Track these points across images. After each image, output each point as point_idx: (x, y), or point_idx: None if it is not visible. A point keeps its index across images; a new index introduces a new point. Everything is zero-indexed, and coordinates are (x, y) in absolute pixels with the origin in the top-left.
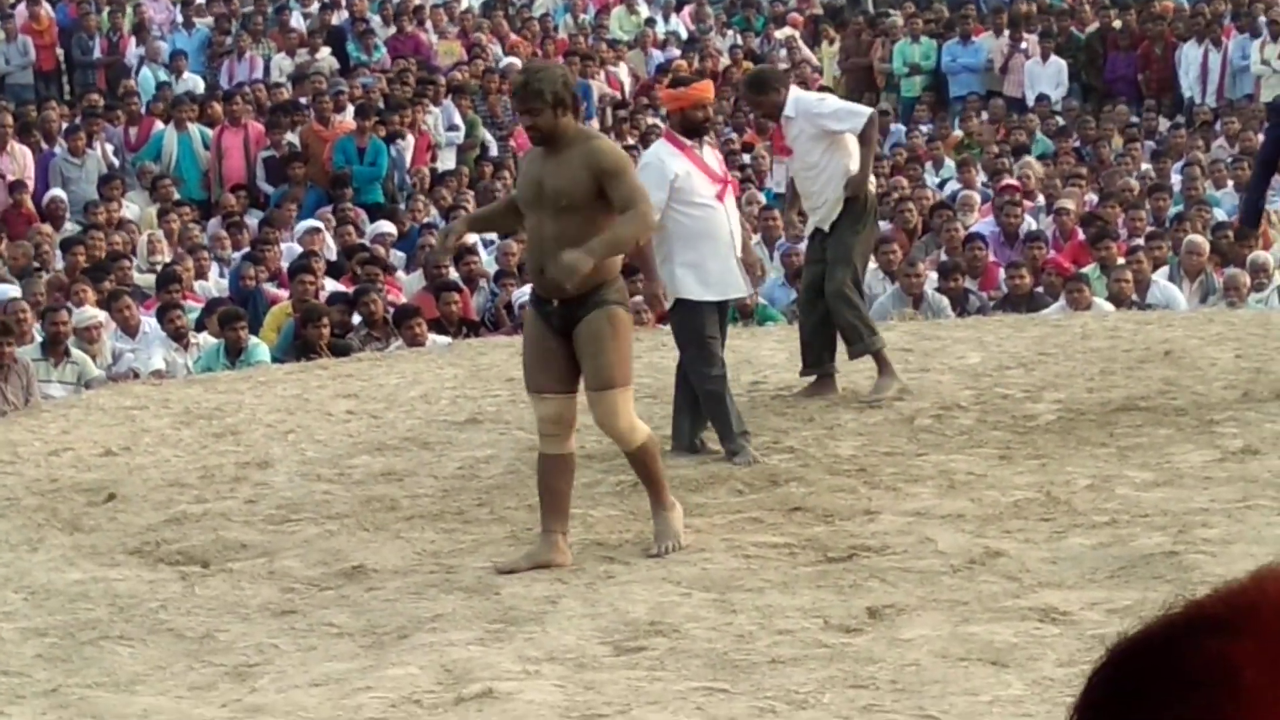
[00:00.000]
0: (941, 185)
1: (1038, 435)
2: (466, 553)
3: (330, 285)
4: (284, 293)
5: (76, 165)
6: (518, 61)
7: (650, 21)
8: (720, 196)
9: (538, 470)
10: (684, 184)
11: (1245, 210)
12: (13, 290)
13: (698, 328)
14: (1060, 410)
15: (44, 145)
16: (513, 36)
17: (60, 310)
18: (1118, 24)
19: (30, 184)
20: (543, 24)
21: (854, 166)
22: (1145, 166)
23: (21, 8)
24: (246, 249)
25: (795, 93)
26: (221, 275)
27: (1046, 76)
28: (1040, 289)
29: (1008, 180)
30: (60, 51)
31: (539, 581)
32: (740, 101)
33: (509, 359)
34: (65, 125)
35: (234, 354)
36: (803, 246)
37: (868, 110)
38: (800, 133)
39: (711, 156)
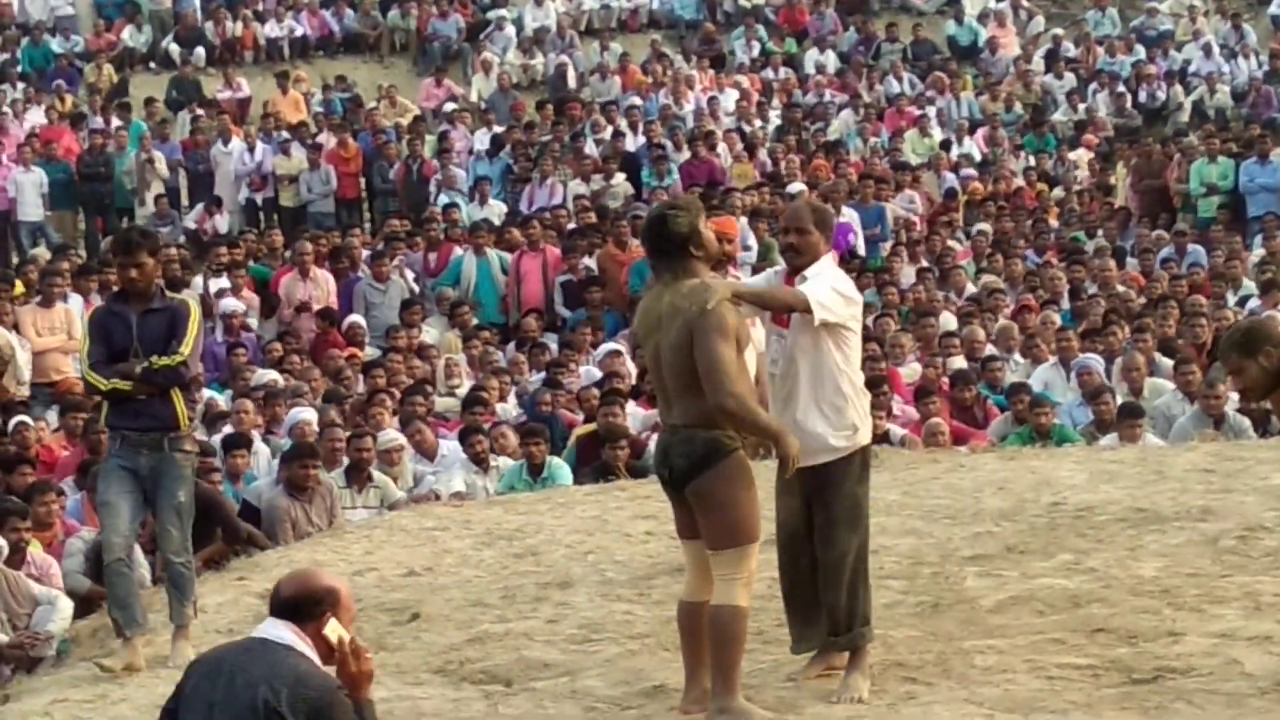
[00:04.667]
0: (1242, 303)
1: None
2: (767, 672)
3: (630, 408)
4: (581, 417)
5: (380, 291)
6: (800, 186)
7: (944, 144)
8: None
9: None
10: None
11: None
12: (307, 413)
13: None
14: None
15: (350, 272)
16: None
17: (365, 437)
18: None
19: (334, 309)
20: (836, 148)
21: None
22: None
23: (325, 136)
24: (543, 373)
25: None
26: (520, 400)
27: None
28: None
29: None
30: (361, 180)
31: (839, 705)
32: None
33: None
34: (368, 252)
35: (535, 472)
36: (1097, 364)
37: None
38: None
39: None
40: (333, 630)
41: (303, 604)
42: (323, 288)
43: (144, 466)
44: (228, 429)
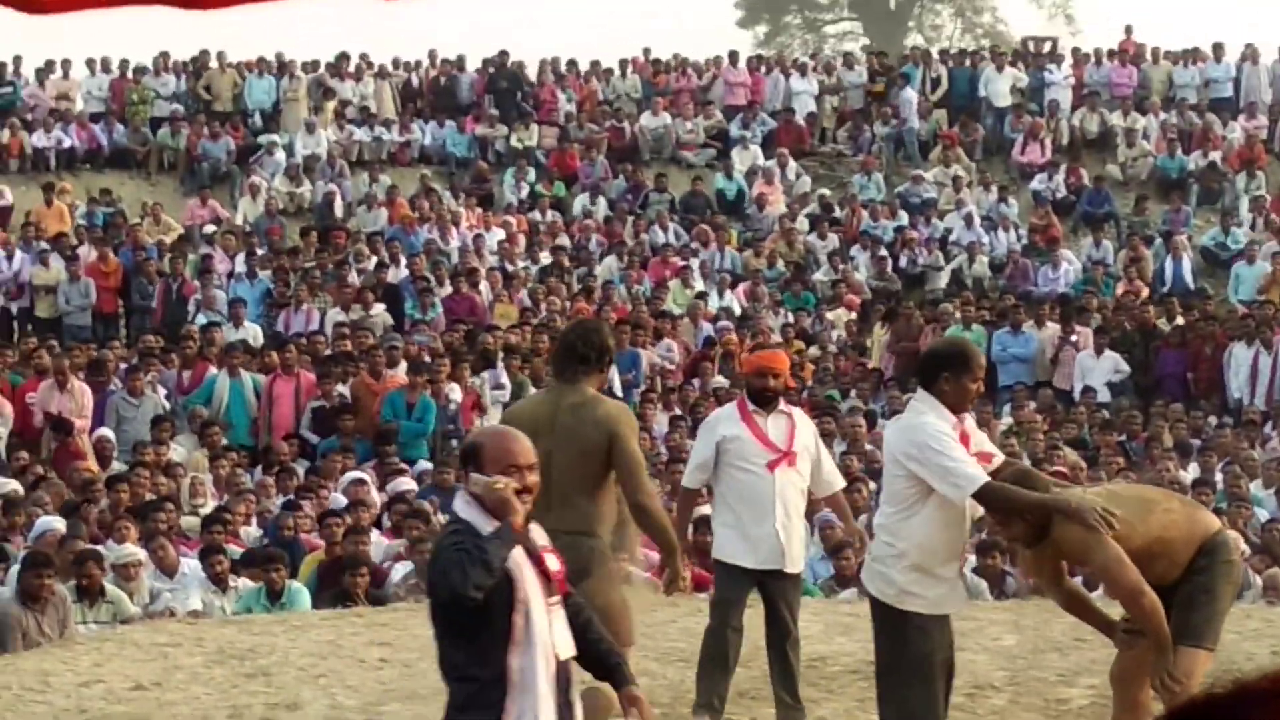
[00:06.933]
0: None
1: (1070, 719)
2: None
3: (374, 537)
4: (323, 543)
5: (134, 405)
6: None
7: (703, 296)
8: (772, 466)
9: None
10: (732, 447)
11: None
12: (56, 523)
13: (721, 586)
14: (1094, 696)
15: (104, 385)
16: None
17: (89, 561)
18: (1163, 322)
19: (87, 422)
20: (605, 291)
21: None
22: (1192, 465)
23: (85, 249)
24: (290, 496)
25: None
26: (261, 524)
27: (1100, 370)
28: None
29: (1054, 468)
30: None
31: None
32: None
33: None
34: (123, 366)
35: (274, 597)
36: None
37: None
38: None
39: (777, 426)
40: (473, 484)
41: (460, 468)
42: (78, 400)
43: None
44: None
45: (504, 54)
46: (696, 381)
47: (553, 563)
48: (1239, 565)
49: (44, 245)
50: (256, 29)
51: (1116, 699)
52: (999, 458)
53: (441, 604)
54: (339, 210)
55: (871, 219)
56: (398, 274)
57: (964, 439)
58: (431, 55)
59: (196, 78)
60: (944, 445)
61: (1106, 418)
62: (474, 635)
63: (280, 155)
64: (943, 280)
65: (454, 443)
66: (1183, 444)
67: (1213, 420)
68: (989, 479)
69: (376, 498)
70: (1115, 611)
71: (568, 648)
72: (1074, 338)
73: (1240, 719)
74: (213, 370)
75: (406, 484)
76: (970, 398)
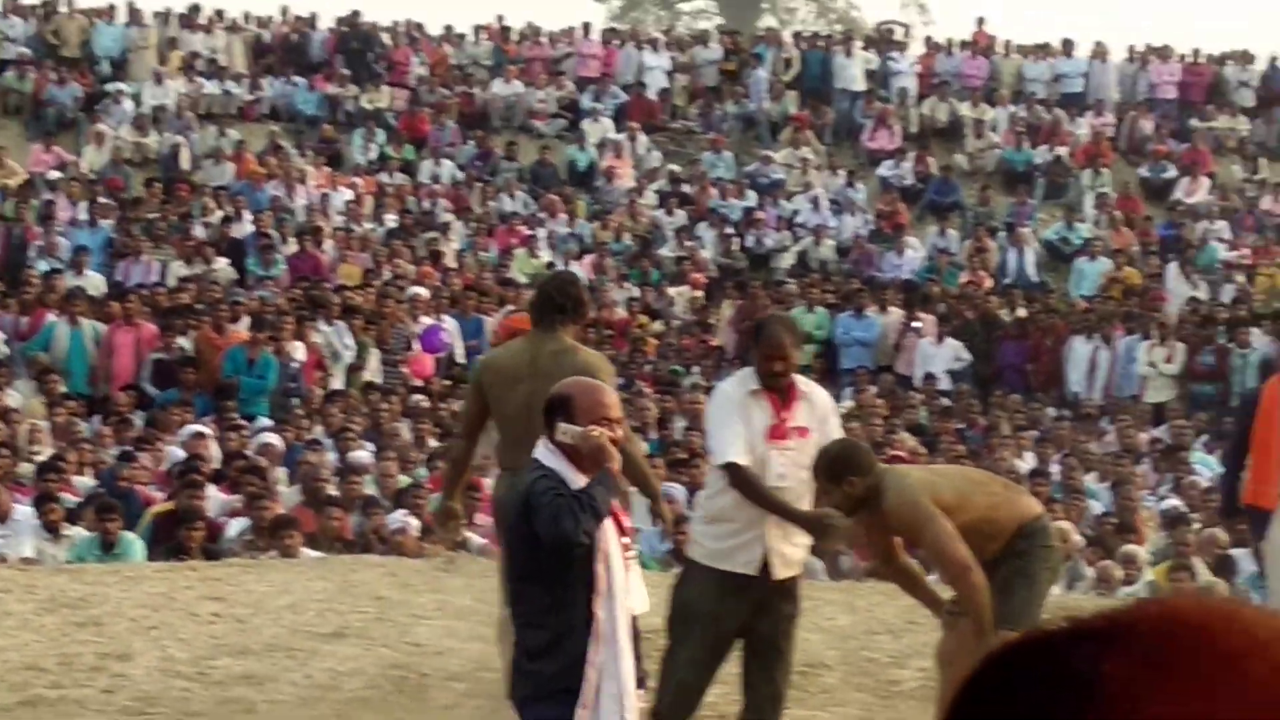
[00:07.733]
0: None
1: (900, 700)
2: None
3: (210, 491)
4: (161, 495)
5: None
6: (424, 291)
7: (550, 266)
8: None
9: None
10: None
11: (1223, 500)
12: None
13: None
14: (924, 678)
15: None
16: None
17: None
18: (1005, 313)
19: None
20: (460, 258)
21: None
22: (1028, 455)
23: None
24: (127, 447)
25: None
26: (96, 474)
27: (941, 357)
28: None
29: (892, 452)
30: None
31: None
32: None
33: (380, 578)
34: None
35: (107, 547)
36: (680, 494)
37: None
38: None
39: None
40: (564, 433)
41: (546, 419)
42: None
43: None
44: None
45: (356, 14)
46: None
47: (625, 518)
48: (1058, 551)
49: None
50: None
51: (940, 680)
52: (830, 434)
53: (545, 549)
54: (185, 162)
55: (720, 197)
56: (242, 229)
57: (779, 407)
58: (284, 11)
59: (45, 22)
60: (719, 415)
61: (946, 405)
62: (555, 582)
63: (128, 104)
64: (788, 261)
65: (295, 401)
66: (1021, 433)
67: (1051, 412)
68: (738, 463)
69: (216, 451)
70: (948, 593)
71: (641, 603)
72: (916, 324)
73: (1078, 659)
74: (52, 317)
75: (269, 437)
76: (762, 372)
